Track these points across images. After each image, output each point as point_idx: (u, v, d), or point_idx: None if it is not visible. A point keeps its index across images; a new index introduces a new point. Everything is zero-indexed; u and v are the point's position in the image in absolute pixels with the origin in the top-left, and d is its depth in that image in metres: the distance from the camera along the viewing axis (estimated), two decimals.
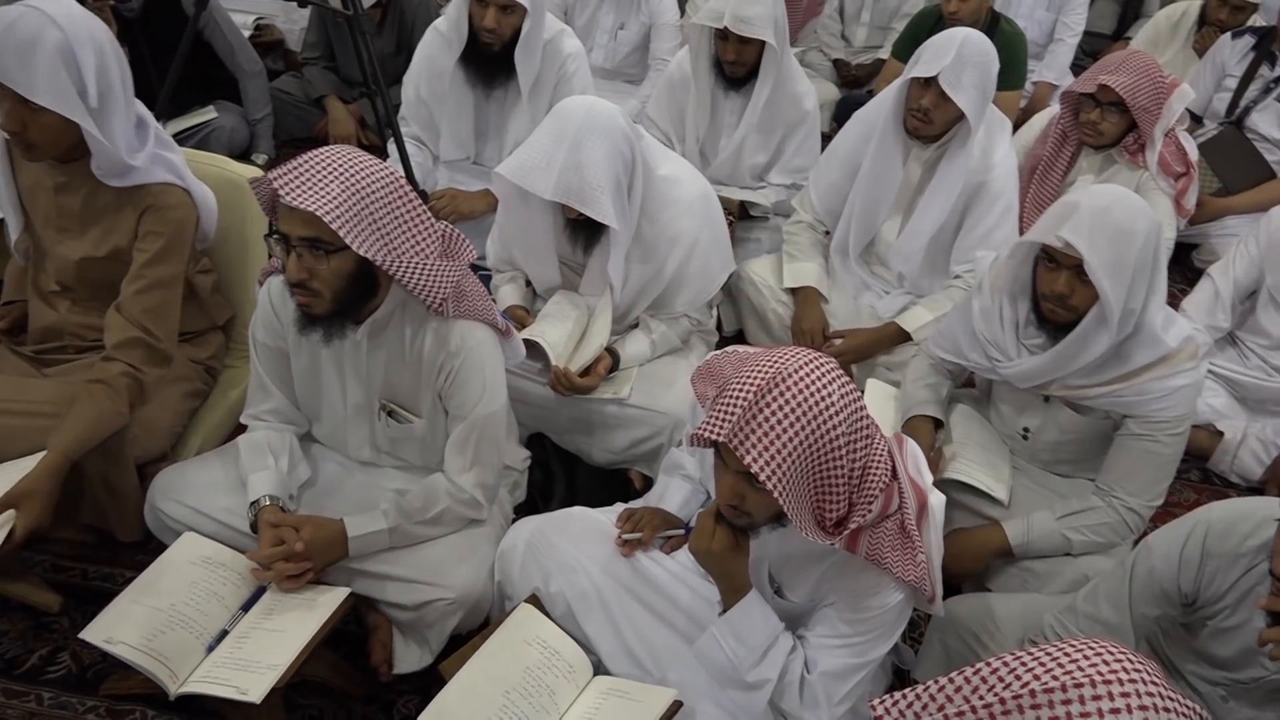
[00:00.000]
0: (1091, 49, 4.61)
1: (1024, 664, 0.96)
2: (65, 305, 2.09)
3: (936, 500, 1.59)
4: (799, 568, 1.63)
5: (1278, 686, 1.48)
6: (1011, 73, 3.66)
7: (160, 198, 1.95)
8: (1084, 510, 1.98)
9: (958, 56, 2.35)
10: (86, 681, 1.93)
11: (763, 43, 2.79)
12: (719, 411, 1.39)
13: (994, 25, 3.64)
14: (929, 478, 1.61)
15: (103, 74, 1.83)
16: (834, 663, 1.57)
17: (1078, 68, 4.23)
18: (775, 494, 1.36)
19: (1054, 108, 3.17)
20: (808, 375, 1.38)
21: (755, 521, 1.51)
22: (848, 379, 1.43)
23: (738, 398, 1.38)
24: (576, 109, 2.05)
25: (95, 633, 1.67)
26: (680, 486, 1.94)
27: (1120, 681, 0.92)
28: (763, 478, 1.35)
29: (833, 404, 1.38)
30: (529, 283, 2.43)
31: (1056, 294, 1.86)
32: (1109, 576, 1.65)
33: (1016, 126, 3.35)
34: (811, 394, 1.37)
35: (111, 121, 1.86)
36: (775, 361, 1.40)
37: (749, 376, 1.40)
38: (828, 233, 2.79)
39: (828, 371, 1.41)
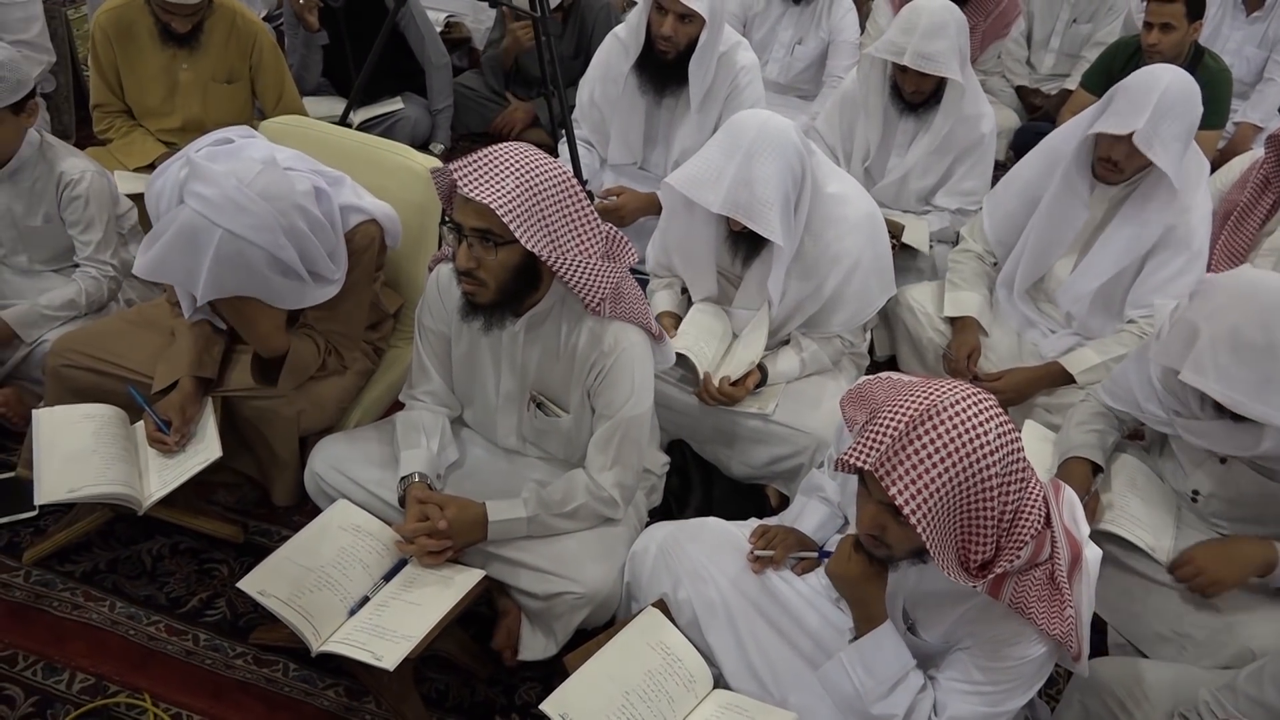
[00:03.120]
0: None
1: None
2: None
3: (1092, 554, 1.51)
4: (936, 607, 1.58)
5: None
6: (1212, 112, 3.42)
7: (349, 241, 2.02)
8: None
9: (1156, 110, 2.18)
10: (238, 629, 2.06)
11: None
12: (868, 438, 1.36)
13: (1197, 60, 3.43)
14: (1085, 529, 1.53)
15: (303, 248, 1.86)
16: (964, 709, 1.52)
17: None
18: (919, 530, 1.32)
19: (1256, 151, 2.96)
20: (964, 410, 1.34)
21: (895, 554, 1.48)
22: (1007, 418, 1.37)
23: (889, 426, 1.35)
24: (750, 123, 2.05)
25: (251, 584, 1.78)
26: (818, 509, 1.91)
27: None
28: (906, 511, 1.31)
29: (988, 442, 1.33)
30: (684, 291, 2.44)
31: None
32: (1277, 659, 1.53)
33: (1214, 168, 3.15)
34: (967, 430, 1.32)
35: (320, 268, 1.93)
36: (931, 393, 1.36)
37: (902, 405, 1.36)
38: (995, 264, 2.69)
39: (986, 408, 1.35)
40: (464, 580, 1.81)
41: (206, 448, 2.01)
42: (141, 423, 2.07)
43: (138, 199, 2.53)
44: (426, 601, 1.77)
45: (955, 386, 1.38)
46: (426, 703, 1.93)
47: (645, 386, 1.86)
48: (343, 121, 3.34)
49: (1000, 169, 2.90)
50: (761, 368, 2.24)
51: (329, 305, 1.97)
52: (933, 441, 1.32)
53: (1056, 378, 2.47)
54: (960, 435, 1.32)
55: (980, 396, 1.37)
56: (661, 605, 1.79)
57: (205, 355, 2.06)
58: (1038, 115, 4.14)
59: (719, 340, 2.27)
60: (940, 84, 2.79)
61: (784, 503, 2.27)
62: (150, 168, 2.88)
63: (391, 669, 1.65)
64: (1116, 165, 2.31)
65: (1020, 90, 4.22)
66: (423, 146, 3.73)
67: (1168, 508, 2.03)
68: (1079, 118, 2.43)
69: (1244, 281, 1.77)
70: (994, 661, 1.50)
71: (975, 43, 3.93)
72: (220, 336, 2.10)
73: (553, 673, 1.87)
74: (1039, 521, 1.41)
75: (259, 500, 2.33)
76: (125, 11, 2.87)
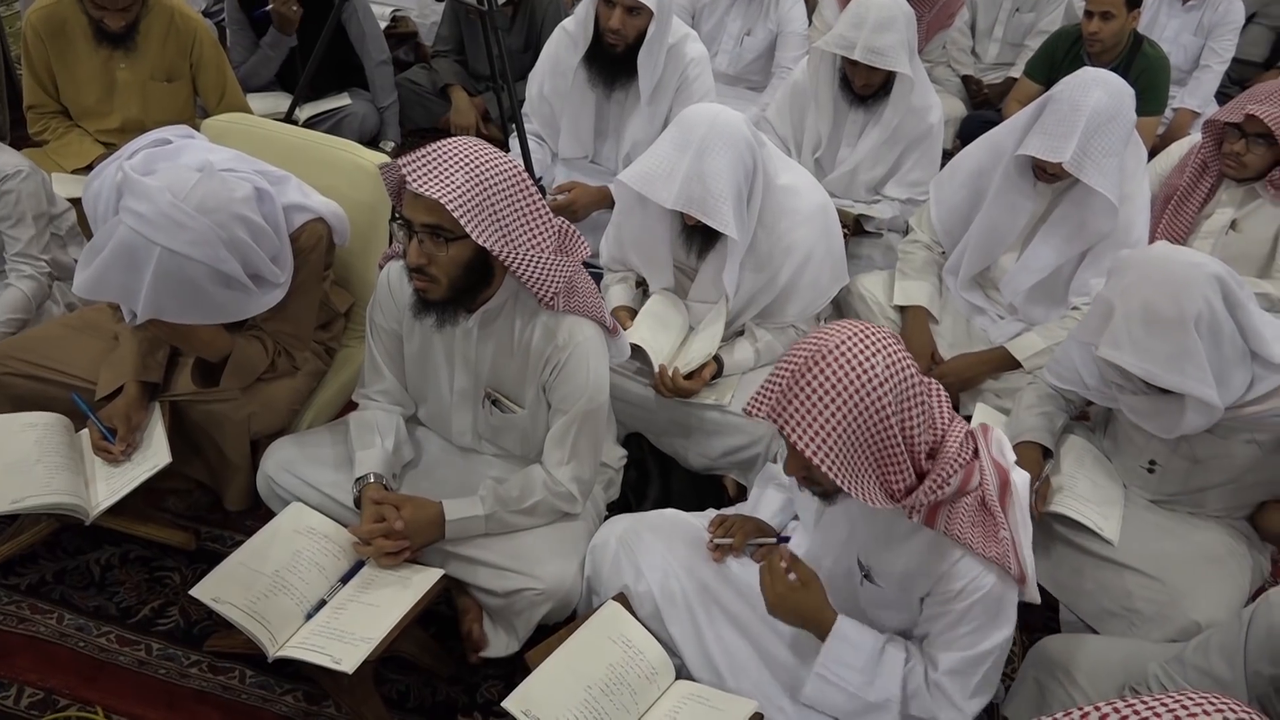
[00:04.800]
0: (1239, 77, 4.39)
1: (1136, 712, 0.92)
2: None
3: (1020, 478, 1.56)
4: (886, 552, 1.61)
5: None
6: (1151, 98, 3.51)
7: (295, 241, 1.98)
8: None
9: (1084, 133, 2.21)
10: (192, 636, 2.03)
11: None
12: (763, 389, 1.43)
13: (1136, 48, 3.50)
14: (1012, 457, 1.58)
15: (245, 257, 1.80)
16: (951, 659, 1.56)
17: (1223, 96, 4.03)
18: (824, 469, 1.38)
19: (1194, 136, 3.02)
20: (850, 349, 1.39)
21: (828, 490, 1.53)
22: (896, 348, 1.42)
23: (780, 375, 1.42)
24: (701, 118, 2.06)
25: (204, 591, 1.75)
26: (775, 496, 1.93)
27: None
28: (807, 453, 1.38)
29: (875, 375, 1.38)
30: (639, 284, 2.44)
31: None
32: (1223, 629, 1.57)
33: (1153, 154, 3.21)
34: (853, 367, 1.38)
35: (264, 273, 1.88)
36: (819, 337, 1.42)
37: (793, 353, 1.43)
38: (944, 253, 2.73)
39: (872, 343, 1.40)
40: (422, 580, 1.79)
41: (155, 454, 1.97)
42: (86, 430, 2.02)
43: (77, 202, 2.48)
44: (385, 603, 1.75)
45: (843, 328, 1.43)
46: (388, 704, 1.92)
47: (601, 380, 1.86)
48: (288, 118, 3.29)
49: (948, 158, 2.94)
50: (717, 359, 2.25)
51: (277, 306, 1.94)
52: (821, 384, 1.38)
53: (1002, 363, 2.51)
54: (848, 373, 1.38)
55: (867, 333, 1.42)
56: (622, 598, 1.79)
57: (150, 359, 2.02)
58: (984, 104, 4.19)
59: (676, 331, 2.28)
60: (889, 76, 2.82)
61: (742, 493, 2.28)
62: (89, 169, 2.81)
63: (351, 672, 1.63)
64: (1053, 175, 2.35)
65: (966, 79, 4.28)
66: (372, 143, 3.69)
67: (1114, 487, 2.08)
68: (1019, 116, 2.45)
69: (1155, 257, 1.80)
70: (953, 602, 1.53)
71: (921, 33, 3.97)
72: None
73: (515, 670, 1.86)
74: (966, 453, 1.47)
75: (211, 506, 2.29)
76: (57, 9, 2.79)
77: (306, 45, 3.42)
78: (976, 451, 1.51)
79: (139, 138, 1.91)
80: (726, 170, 2.02)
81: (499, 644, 1.92)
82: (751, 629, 1.74)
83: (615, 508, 2.16)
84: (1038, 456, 2.08)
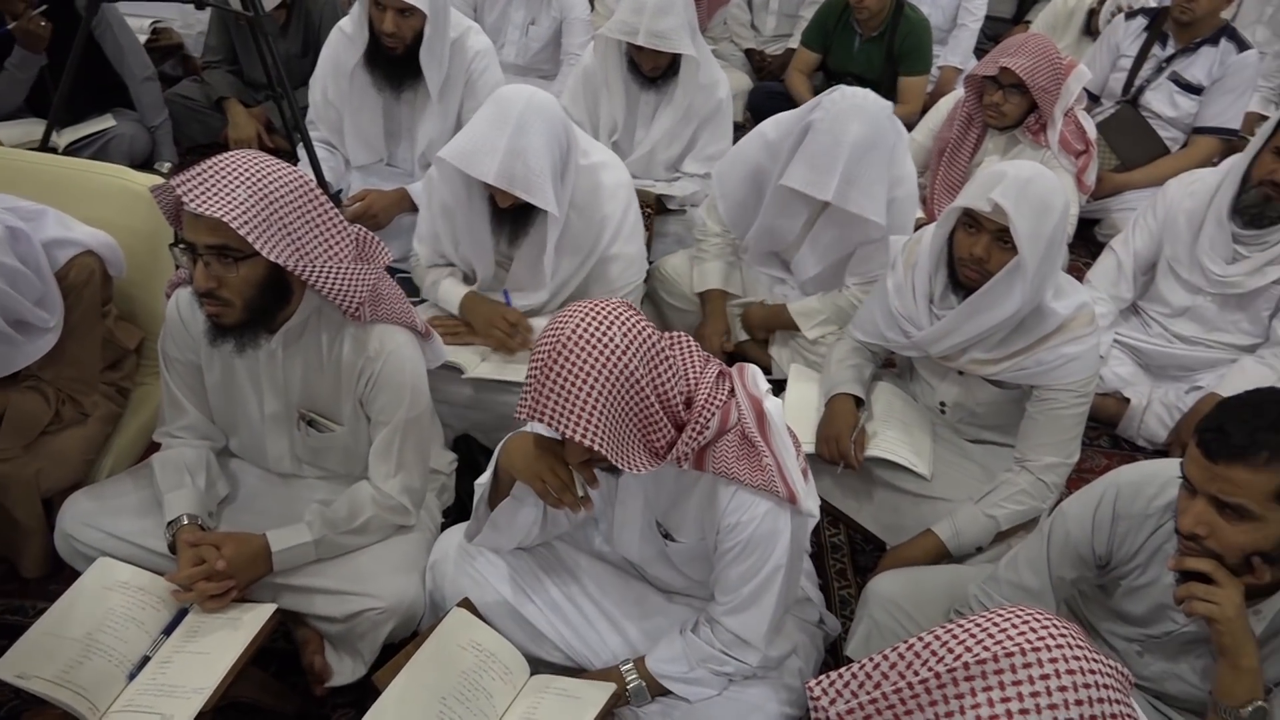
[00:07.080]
0: (993, 33, 4.74)
1: (955, 637, 0.98)
2: None
3: (772, 405, 1.61)
4: (676, 507, 1.66)
5: (1189, 639, 1.54)
6: (917, 59, 3.74)
7: (63, 280, 1.83)
8: (997, 487, 2.04)
9: (845, 171, 2.25)
10: None
11: None
12: (523, 394, 1.43)
13: (899, 13, 3.71)
14: (765, 387, 1.63)
15: (4, 305, 1.70)
16: (740, 595, 1.61)
17: (980, 52, 4.33)
18: (598, 448, 1.38)
19: (959, 91, 3.25)
20: (585, 329, 1.40)
21: (615, 467, 1.52)
22: (629, 315, 1.45)
23: (532, 376, 1.42)
24: (518, 95, 2.07)
25: (6, 669, 1.59)
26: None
27: (1048, 648, 0.95)
28: (576, 438, 1.38)
29: (617, 346, 1.40)
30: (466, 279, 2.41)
31: (975, 257, 1.92)
32: (1028, 544, 1.70)
33: (924, 110, 3.43)
34: (593, 345, 1.39)
35: (29, 319, 1.75)
36: (554, 329, 1.43)
37: (536, 352, 1.43)
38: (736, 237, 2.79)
39: (605, 317, 1.42)
40: (253, 619, 1.70)
41: None
42: None
43: None
44: (215, 649, 1.65)
45: (574, 312, 1.43)
46: None
47: (419, 386, 1.82)
48: (44, 146, 3.03)
49: (739, 129, 3.03)
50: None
51: (53, 352, 1.79)
52: (570, 371, 1.38)
53: (787, 321, 2.61)
54: (590, 353, 1.39)
55: (598, 309, 1.43)
56: (467, 603, 1.76)
57: None
58: (768, 75, 4.35)
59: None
60: (676, 57, 2.87)
61: None
62: None
63: None
64: None
65: (749, 53, 4.42)
66: (146, 165, 3.45)
67: (923, 426, 2.22)
68: (785, 134, 2.43)
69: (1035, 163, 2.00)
70: (732, 536, 1.58)
71: (701, 12, 4.07)
72: None
73: (365, 694, 1.79)
74: (721, 395, 1.53)
75: (5, 576, 2.09)
76: None
77: (59, 64, 3.15)
78: (732, 390, 1.56)
79: None
80: (544, 148, 2.04)
81: (345, 671, 1.85)
82: (589, 603, 1.78)
83: (451, 513, 2.12)
84: (852, 407, 2.19)
